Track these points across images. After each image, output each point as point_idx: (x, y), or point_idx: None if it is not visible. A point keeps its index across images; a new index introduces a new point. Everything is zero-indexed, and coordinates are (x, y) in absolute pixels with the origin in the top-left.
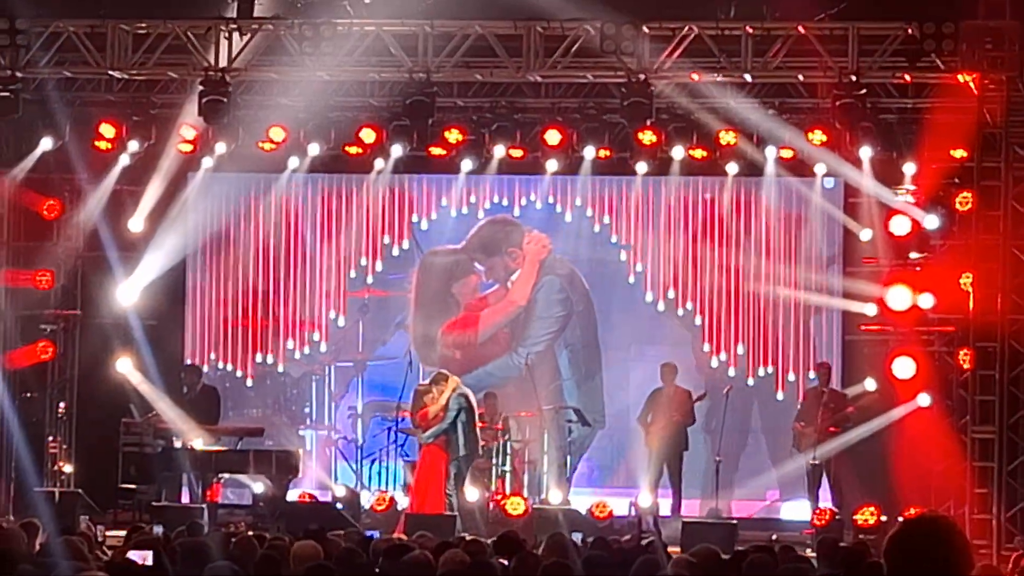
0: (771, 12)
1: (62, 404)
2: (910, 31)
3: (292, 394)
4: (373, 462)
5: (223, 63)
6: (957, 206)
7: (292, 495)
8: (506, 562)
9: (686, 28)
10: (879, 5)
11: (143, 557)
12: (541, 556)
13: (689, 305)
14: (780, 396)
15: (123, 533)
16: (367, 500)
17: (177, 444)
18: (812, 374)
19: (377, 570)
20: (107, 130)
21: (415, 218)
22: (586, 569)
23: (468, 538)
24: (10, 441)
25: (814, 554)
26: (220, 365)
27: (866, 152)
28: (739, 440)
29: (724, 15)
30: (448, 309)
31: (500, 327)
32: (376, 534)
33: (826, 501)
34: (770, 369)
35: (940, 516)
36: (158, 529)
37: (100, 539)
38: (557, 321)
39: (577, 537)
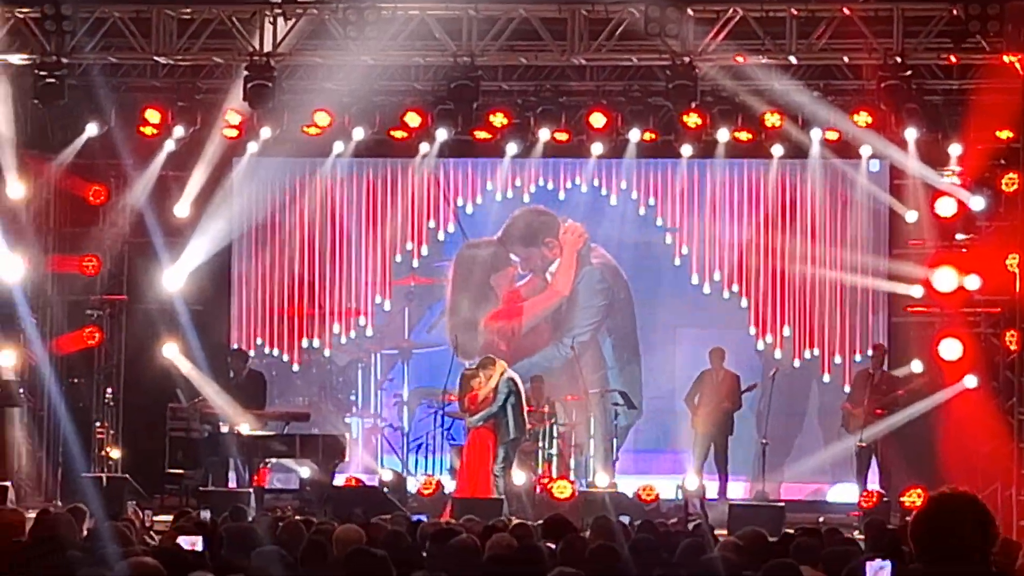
0: None
1: (109, 390)
2: (955, 12)
3: (338, 382)
4: (419, 447)
5: (268, 48)
6: (1003, 187)
7: (339, 480)
8: (553, 546)
9: (731, 10)
10: None
11: (192, 543)
12: (588, 539)
13: (735, 287)
14: (826, 378)
15: (170, 518)
16: (414, 485)
17: (224, 429)
18: (859, 356)
19: (424, 554)
20: (152, 115)
21: (460, 201)
22: (633, 553)
23: (515, 521)
24: (58, 426)
25: (862, 536)
26: (267, 350)
27: (911, 134)
28: (787, 423)
29: None
30: (487, 300)
31: (543, 318)
32: (423, 518)
33: (874, 483)
34: (816, 351)
35: (961, 493)
36: (205, 514)
37: (148, 524)
38: (599, 311)
39: (624, 520)
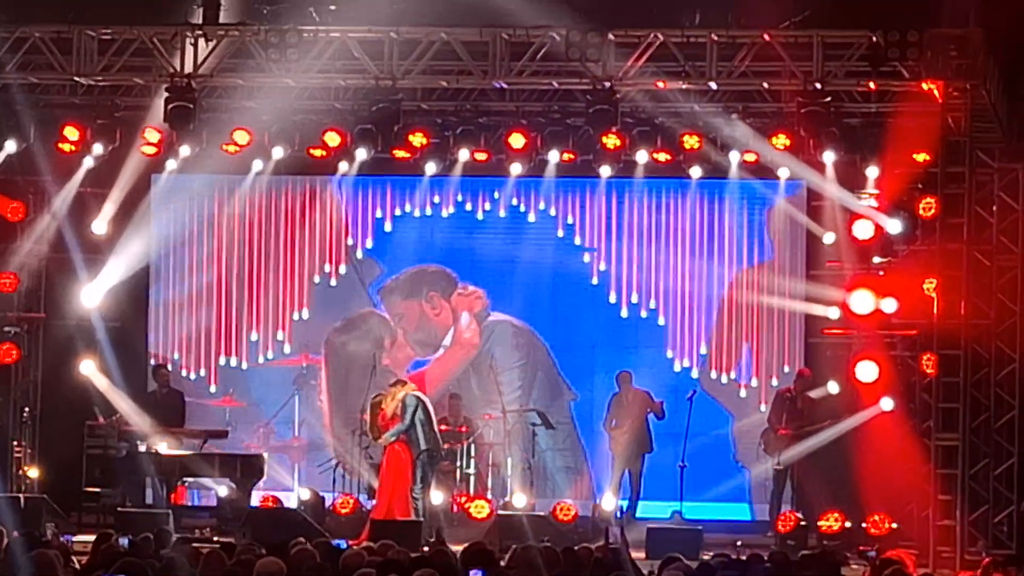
0: (736, 20)
1: (26, 408)
2: (875, 39)
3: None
4: (337, 465)
5: (189, 69)
6: (921, 212)
7: (255, 498)
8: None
9: (651, 36)
10: (844, 13)
11: None
12: (511, 572)
13: (652, 305)
14: (743, 395)
15: (89, 539)
16: (331, 503)
17: (141, 448)
18: (775, 380)
19: None
20: (71, 132)
21: (379, 214)
22: None
23: (435, 546)
24: None
25: None
26: (183, 372)
27: (829, 156)
28: (704, 444)
29: (689, 23)
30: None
31: (455, 376)
32: (343, 543)
33: (787, 505)
34: (733, 374)
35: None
36: (124, 541)
37: (69, 548)
38: (520, 374)
39: (546, 544)
